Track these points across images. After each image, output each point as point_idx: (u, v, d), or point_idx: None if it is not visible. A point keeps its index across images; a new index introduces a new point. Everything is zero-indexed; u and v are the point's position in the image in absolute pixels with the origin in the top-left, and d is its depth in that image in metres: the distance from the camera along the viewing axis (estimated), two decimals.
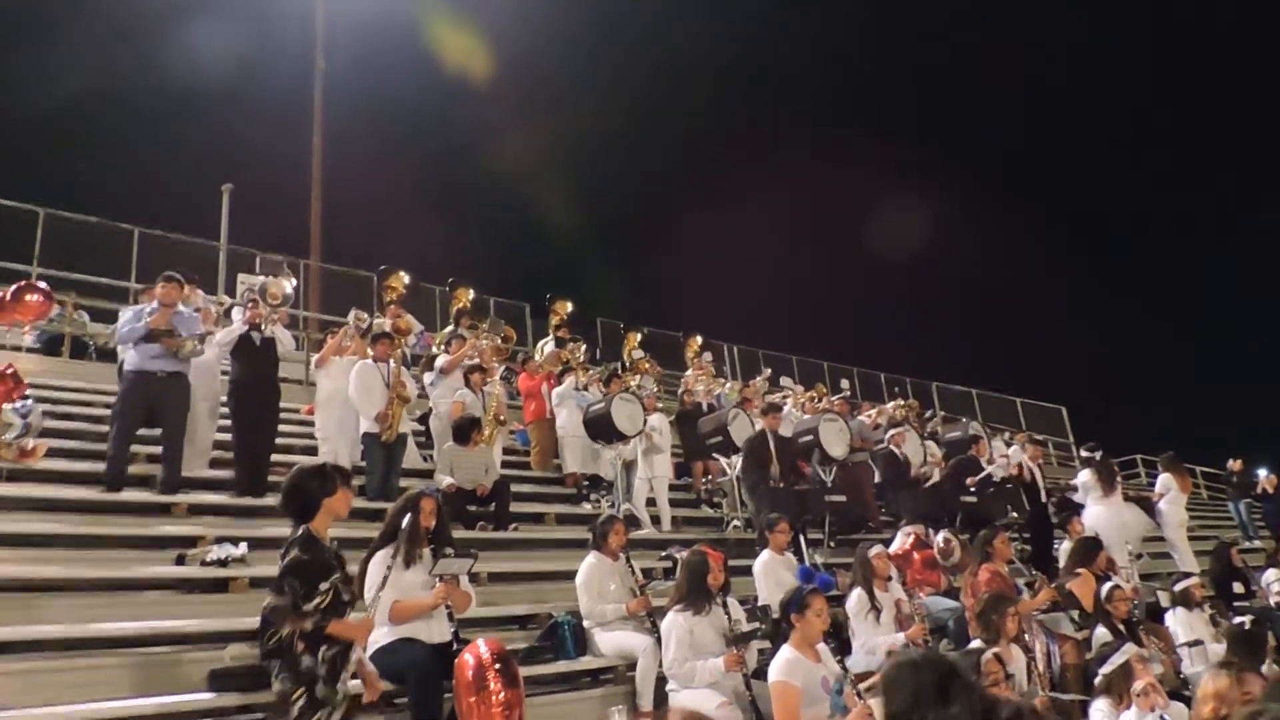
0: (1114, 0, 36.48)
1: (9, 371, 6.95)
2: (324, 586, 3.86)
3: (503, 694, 4.39)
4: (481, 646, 4.60)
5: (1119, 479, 10.82)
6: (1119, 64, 37.78)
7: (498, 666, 4.49)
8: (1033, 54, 37.78)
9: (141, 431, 7.16)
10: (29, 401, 6.88)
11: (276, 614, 3.85)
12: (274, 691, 3.90)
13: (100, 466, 6.94)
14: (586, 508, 9.41)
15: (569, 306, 13.49)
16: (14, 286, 10.28)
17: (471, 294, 12.39)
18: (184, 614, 5.29)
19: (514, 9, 24.49)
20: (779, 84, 39.07)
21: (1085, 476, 10.48)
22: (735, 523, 9.78)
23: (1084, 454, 12.08)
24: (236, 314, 8.23)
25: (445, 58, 24.36)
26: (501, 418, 9.38)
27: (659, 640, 5.47)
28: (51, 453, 7.04)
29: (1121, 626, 6.57)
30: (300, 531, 4.02)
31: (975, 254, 34.77)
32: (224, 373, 8.22)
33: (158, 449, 7.15)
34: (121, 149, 26.71)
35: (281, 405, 8.14)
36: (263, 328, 7.74)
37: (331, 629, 3.88)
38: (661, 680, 5.41)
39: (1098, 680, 5.11)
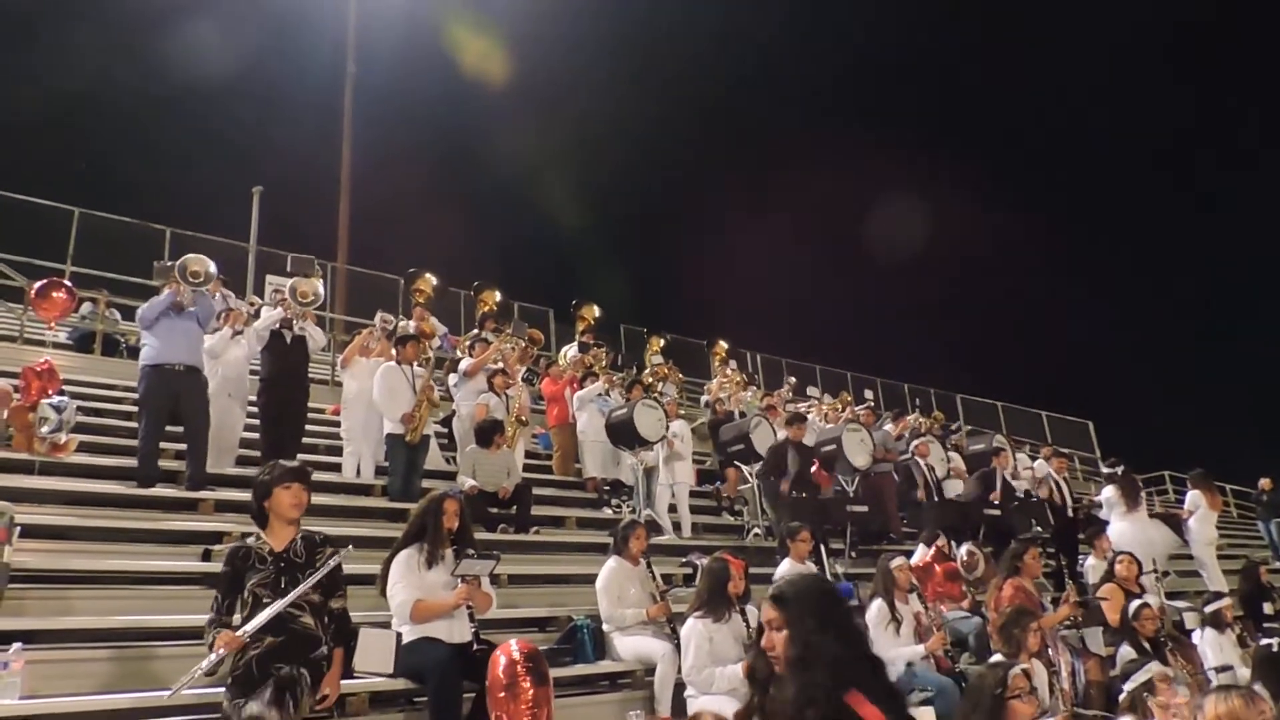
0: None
1: (45, 368, 7.10)
2: (244, 595, 3.98)
3: (531, 692, 4.43)
4: (513, 645, 4.64)
5: (1143, 494, 10.70)
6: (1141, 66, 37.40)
7: (528, 665, 4.53)
8: (1075, 58, 37.53)
9: (169, 429, 7.24)
10: (65, 398, 7.02)
11: (206, 628, 3.98)
12: None
13: (129, 462, 7.05)
14: (607, 512, 9.43)
15: (595, 311, 13.54)
16: (39, 283, 10.52)
17: (498, 296, 12.45)
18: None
19: (538, 14, 24.67)
20: (804, 87, 39.05)
21: (1109, 492, 10.37)
22: (756, 531, 9.76)
23: (1106, 470, 11.95)
24: (266, 314, 8.31)
25: (471, 63, 24.56)
26: (524, 418, 9.42)
27: (678, 646, 5.47)
28: (82, 447, 7.18)
29: (1147, 644, 6.49)
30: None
31: (1002, 265, 34.56)
32: (253, 372, 8.33)
33: (184, 445, 7.22)
34: (154, 150, 27.16)
35: (309, 405, 8.23)
36: (294, 325, 7.82)
37: (217, 639, 3.88)
38: (680, 686, 5.41)
39: (1122, 698, 5.05)
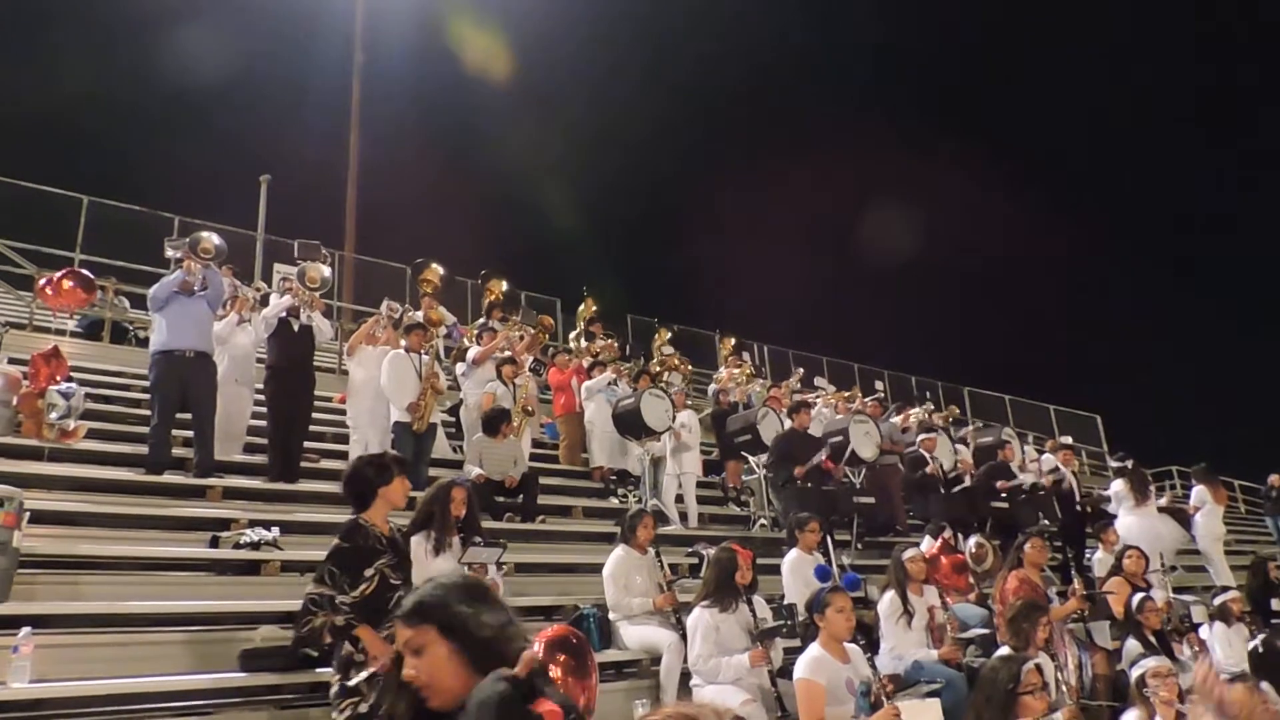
0: None
1: (52, 352, 7.12)
2: (368, 573, 3.95)
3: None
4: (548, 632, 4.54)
5: (1152, 488, 10.66)
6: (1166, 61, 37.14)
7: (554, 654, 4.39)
8: (1080, 50, 37.30)
9: (177, 415, 7.24)
10: (73, 384, 7.03)
11: (315, 603, 3.92)
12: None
13: (137, 448, 7.07)
14: (614, 502, 9.44)
15: (592, 308, 13.52)
16: (59, 274, 10.55)
17: (504, 286, 12.44)
18: (216, 595, 5.38)
19: (547, 5, 24.60)
20: (813, 80, 38.84)
21: (1118, 486, 10.33)
22: (762, 521, 9.76)
23: (1114, 463, 11.91)
24: (274, 301, 8.32)
25: (479, 55, 24.50)
26: (530, 409, 9.42)
27: (684, 636, 5.47)
28: (91, 434, 7.20)
29: (1152, 638, 6.47)
30: (349, 520, 4.12)
31: (1012, 258, 34.42)
32: (259, 360, 8.34)
33: (190, 433, 7.24)
34: (163, 139, 27.20)
35: (315, 393, 8.24)
36: (301, 314, 7.82)
37: (360, 632, 3.89)
38: (685, 676, 5.41)
39: (1131, 691, 5.03)
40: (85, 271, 10.87)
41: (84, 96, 24.63)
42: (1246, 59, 37.33)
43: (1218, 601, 7.39)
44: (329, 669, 4.24)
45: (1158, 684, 4.64)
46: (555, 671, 4.30)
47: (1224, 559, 10.79)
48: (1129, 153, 39.15)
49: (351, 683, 3.76)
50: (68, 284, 10.35)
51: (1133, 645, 6.36)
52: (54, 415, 6.82)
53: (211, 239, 7.40)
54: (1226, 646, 6.99)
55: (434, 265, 11.91)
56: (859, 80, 38.80)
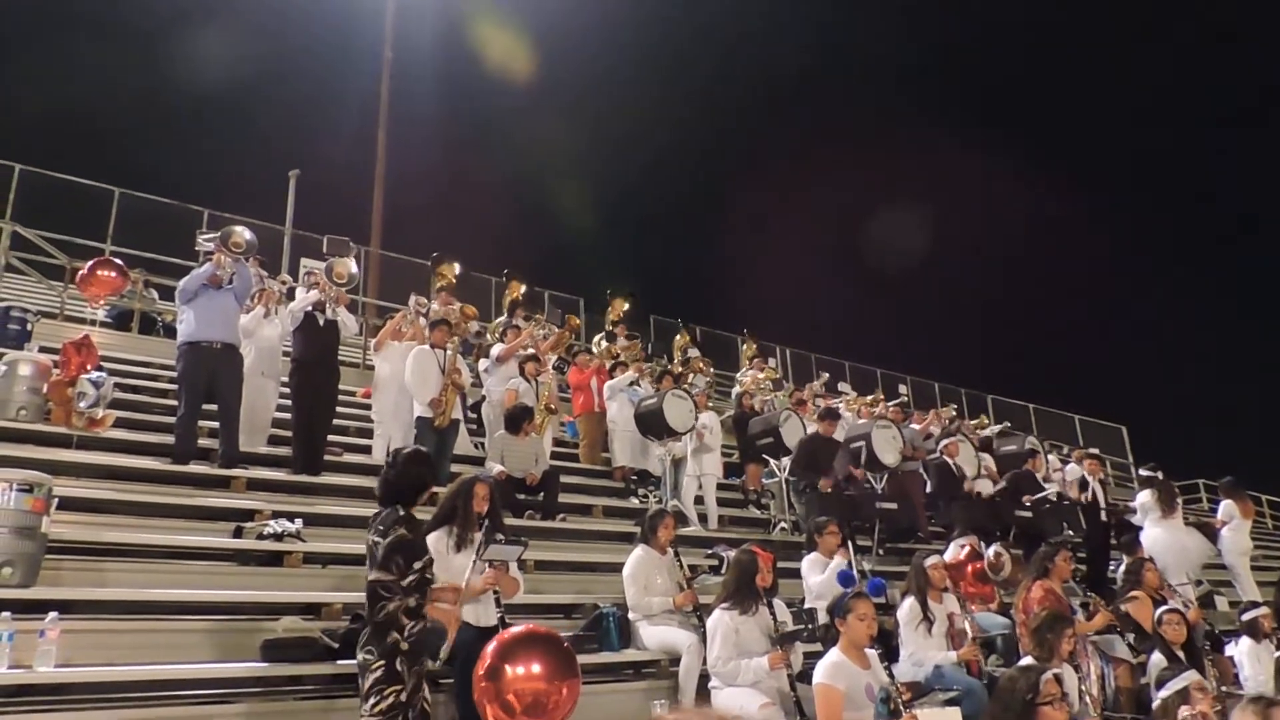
0: None
1: (83, 341, 7.20)
2: (418, 565, 4.11)
3: (484, 683, 4.15)
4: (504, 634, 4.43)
5: (1179, 500, 10.50)
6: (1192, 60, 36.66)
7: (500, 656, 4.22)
8: (1117, 56, 36.88)
9: (204, 406, 7.31)
10: (103, 373, 7.11)
11: (386, 589, 4.00)
12: (357, 660, 4.05)
13: (164, 438, 7.14)
14: (634, 502, 9.42)
15: (625, 306, 13.50)
16: (91, 262, 10.69)
17: (523, 289, 12.48)
18: (239, 584, 5.42)
19: (572, 6, 24.66)
20: (834, 81, 38.58)
21: (1145, 497, 10.19)
22: (782, 525, 9.72)
23: (1143, 474, 11.75)
24: (300, 295, 8.38)
25: (506, 54, 24.58)
26: (552, 407, 9.43)
27: (704, 637, 5.45)
28: (118, 423, 7.28)
29: (1180, 652, 6.37)
30: (402, 513, 4.21)
31: (1038, 266, 34.09)
32: (285, 353, 8.40)
33: (216, 423, 7.29)
34: (194, 133, 27.53)
35: (339, 387, 8.29)
36: (327, 309, 7.86)
37: (430, 609, 4.15)
38: (704, 677, 5.39)
39: (1155, 704, 4.96)
40: (117, 260, 11.01)
41: (116, 91, 24.99)
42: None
43: (1247, 617, 7.26)
44: (350, 660, 4.28)
45: (1199, 696, 4.58)
46: (515, 672, 4.13)
47: (1250, 574, 10.61)
48: (1153, 159, 38.64)
49: (437, 663, 4.13)
50: (101, 271, 10.50)
51: (1158, 659, 6.28)
52: (83, 404, 6.89)
53: (243, 233, 7.46)
54: (1255, 663, 6.87)
55: (450, 261, 11.97)
56: (882, 82, 38.53)
